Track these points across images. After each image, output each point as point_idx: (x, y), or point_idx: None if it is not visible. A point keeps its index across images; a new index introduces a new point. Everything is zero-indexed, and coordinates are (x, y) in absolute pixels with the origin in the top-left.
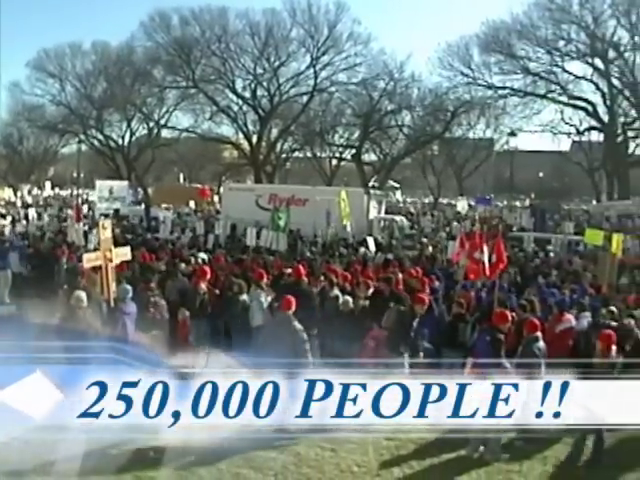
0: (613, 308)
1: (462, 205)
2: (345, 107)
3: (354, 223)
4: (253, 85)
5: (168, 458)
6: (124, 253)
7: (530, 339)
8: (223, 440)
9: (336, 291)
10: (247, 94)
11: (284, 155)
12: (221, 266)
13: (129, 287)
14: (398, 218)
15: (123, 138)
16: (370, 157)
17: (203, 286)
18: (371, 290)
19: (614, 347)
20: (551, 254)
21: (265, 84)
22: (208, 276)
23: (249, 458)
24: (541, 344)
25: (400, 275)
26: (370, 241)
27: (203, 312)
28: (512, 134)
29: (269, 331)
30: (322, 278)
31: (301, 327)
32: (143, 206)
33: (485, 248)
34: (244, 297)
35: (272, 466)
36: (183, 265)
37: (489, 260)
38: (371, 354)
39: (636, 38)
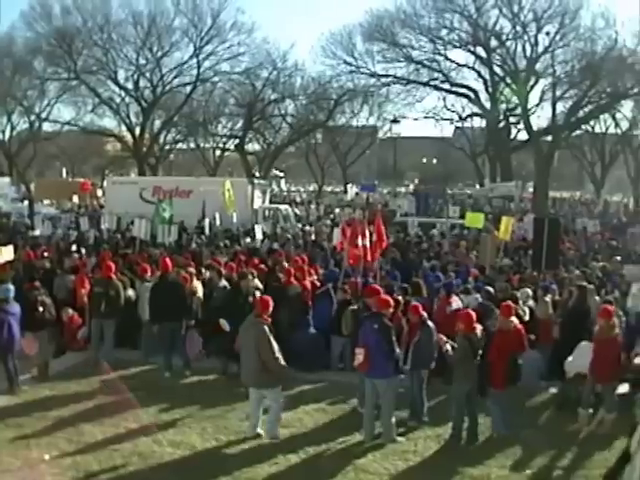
0: (489, 288)
1: (351, 193)
2: (228, 97)
3: (239, 213)
4: (136, 76)
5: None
6: (8, 252)
7: (423, 322)
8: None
9: (224, 282)
10: (130, 85)
11: (167, 147)
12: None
13: (11, 287)
14: (283, 207)
15: (3, 133)
16: (254, 147)
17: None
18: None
19: (478, 325)
20: (435, 238)
21: (148, 75)
22: (113, 270)
23: (146, 455)
24: (431, 324)
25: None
26: (258, 230)
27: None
28: (395, 121)
29: None
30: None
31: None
32: (26, 203)
33: (367, 233)
34: (129, 292)
35: (169, 461)
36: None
37: (370, 242)
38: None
39: (517, 27)
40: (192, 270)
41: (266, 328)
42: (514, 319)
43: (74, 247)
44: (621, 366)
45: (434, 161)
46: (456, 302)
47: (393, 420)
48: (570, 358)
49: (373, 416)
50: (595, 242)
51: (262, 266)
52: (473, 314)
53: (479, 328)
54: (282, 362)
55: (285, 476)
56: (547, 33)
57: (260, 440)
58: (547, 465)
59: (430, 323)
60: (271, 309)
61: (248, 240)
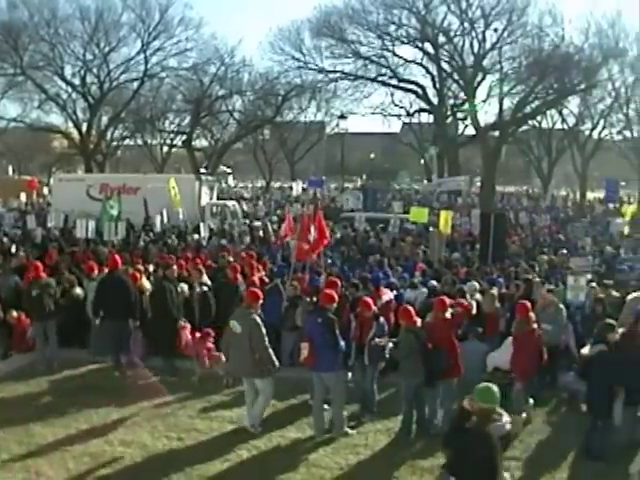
0: (434, 282)
1: (297, 188)
2: (176, 93)
3: (186, 210)
4: (83, 72)
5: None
6: None
7: (376, 316)
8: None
9: None
10: (76, 81)
11: (115, 143)
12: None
13: None
14: (230, 203)
15: None
16: (201, 143)
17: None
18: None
19: (417, 319)
20: (381, 233)
21: (95, 70)
22: (41, 270)
23: (97, 455)
24: (382, 319)
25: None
26: (203, 227)
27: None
28: (342, 117)
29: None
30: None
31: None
32: None
33: (312, 229)
34: (77, 291)
35: (121, 461)
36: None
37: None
38: (192, 351)
39: (465, 24)
40: (140, 268)
41: (258, 318)
42: (446, 314)
43: (14, 247)
44: (541, 361)
45: (381, 157)
46: (386, 294)
47: (344, 413)
48: (493, 353)
49: (323, 411)
50: (542, 236)
51: (209, 263)
52: (411, 308)
53: (419, 321)
54: (272, 354)
55: (237, 472)
56: (495, 30)
57: (210, 437)
58: None
59: (381, 318)
60: (260, 300)
61: (196, 237)
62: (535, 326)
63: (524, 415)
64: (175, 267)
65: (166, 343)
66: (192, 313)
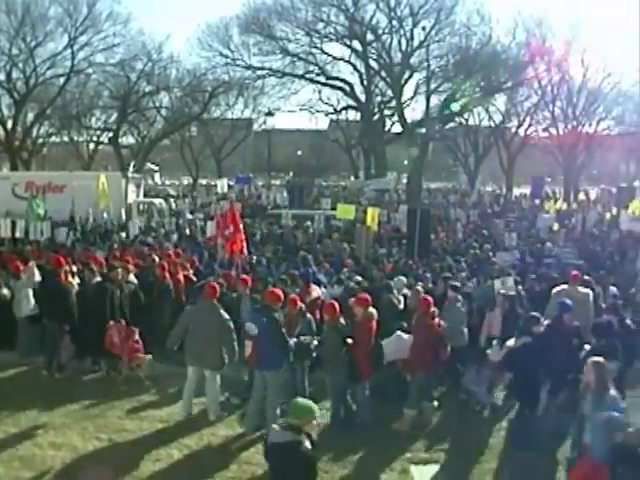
0: (359, 278)
1: (221, 185)
2: (102, 89)
3: (112, 208)
4: (8, 67)
5: None
6: None
7: (303, 313)
8: None
9: (98, 278)
10: (2, 76)
11: (41, 140)
12: None
13: None
14: (157, 201)
15: None
16: (128, 140)
17: None
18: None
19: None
20: (310, 230)
21: (21, 65)
22: None
23: (27, 459)
24: (309, 315)
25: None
26: (132, 225)
27: None
28: (270, 114)
29: None
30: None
31: None
32: None
33: (231, 226)
34: (4, 291)
35: (51, 464)
36: None
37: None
38: (117, 349)
39: (394, 22)
40: (67, 268)
41: (227, 315)
42: (372, 310)
43: None
44: (442, 356)
45: (308, 153)
46: (315, 291)
47: (278, 411)
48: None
49: (259, 407)
50: (469, 231)
51: (136, 261)
52: (336, 304)
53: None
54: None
55: (169, 472)
56: (423, 28)
57: (141, 436)
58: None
59: (308, 314)
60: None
61: (123, 235)
62: (436, 321)
63: (435, 403)
64: (120, 270)
65: (95, 343)
66: (122, 313)
